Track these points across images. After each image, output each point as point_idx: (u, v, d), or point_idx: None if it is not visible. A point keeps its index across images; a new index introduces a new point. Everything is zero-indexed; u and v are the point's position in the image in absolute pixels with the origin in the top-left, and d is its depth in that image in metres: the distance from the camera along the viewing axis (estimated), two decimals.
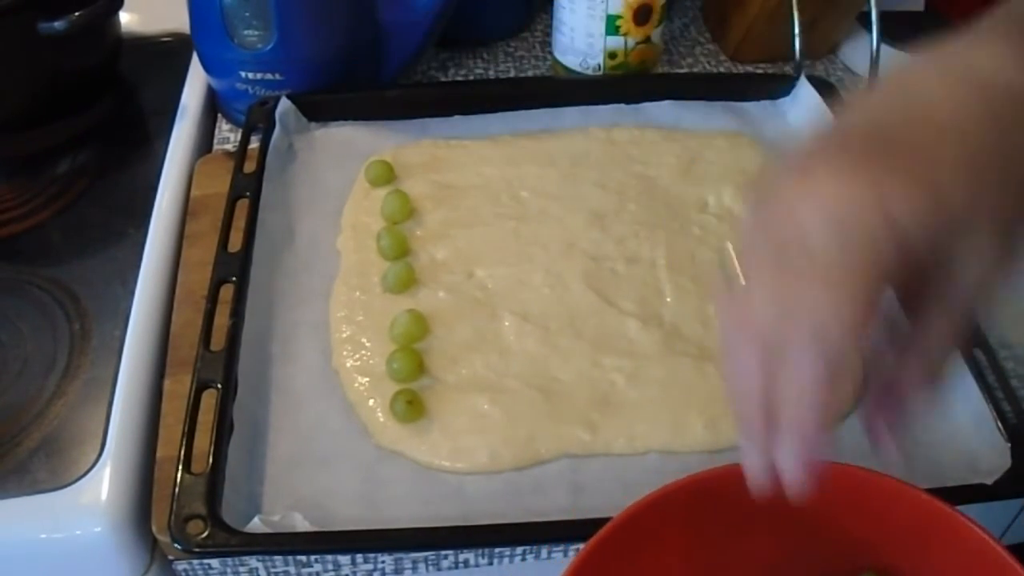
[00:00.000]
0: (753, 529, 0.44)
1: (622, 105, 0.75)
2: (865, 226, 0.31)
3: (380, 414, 0.54)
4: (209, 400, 0.53)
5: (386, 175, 0.68)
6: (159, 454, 0.53)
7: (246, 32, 0.71)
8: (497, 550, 0.51)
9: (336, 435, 0.54)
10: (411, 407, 0.53)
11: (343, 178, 0.69)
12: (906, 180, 0.32)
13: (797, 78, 0.76)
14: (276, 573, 0.52)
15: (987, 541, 0.39)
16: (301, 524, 0.49)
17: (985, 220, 0.33)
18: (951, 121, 0.33)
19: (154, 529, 0.50)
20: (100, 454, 0.53)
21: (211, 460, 0.50)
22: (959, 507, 0.48)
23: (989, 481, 0.49)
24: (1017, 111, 0.34)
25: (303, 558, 0.51)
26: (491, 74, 0.83)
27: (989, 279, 0.34)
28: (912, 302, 0.36)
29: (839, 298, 0.32)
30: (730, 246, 0.41)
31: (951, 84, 0.34)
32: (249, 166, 0.67)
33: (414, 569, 0.52)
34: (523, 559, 0.52)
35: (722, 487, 0.42)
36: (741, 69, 0.85)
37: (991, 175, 0.33)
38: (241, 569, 0.51)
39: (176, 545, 0.47)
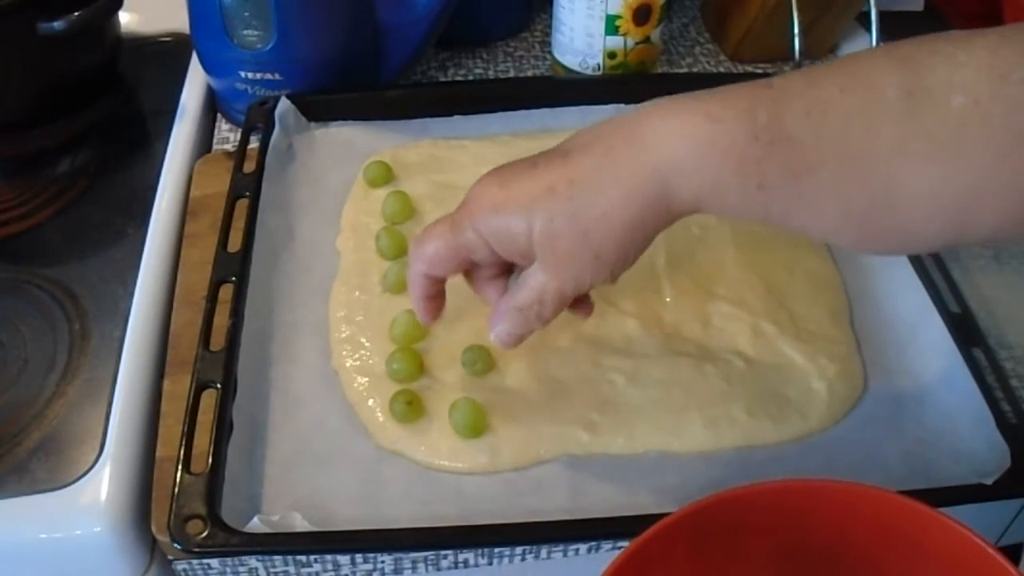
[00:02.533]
0: (753, 554, 0.44)
1: (622, 105, 0.75)
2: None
3: (379, 414, 0.54)
4: (209, 400, 0.52)
5: (385, 175, 0.68)
6: (159, 454, 0.53)
7: (246, 32, 0.71)
8: (497, 550, 0.51)
9: (336, 435, 0.54)
10: (410, 408, 0.53)
11: (343, 178, 0.69)
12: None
13: None
14: (276, 573, 0.52)
15: (985, 549, 0.39)
16: (301, 524, 0.49)
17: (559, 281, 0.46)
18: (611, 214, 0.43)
19: (154, 529, 0.50)
20: (100, 454, 0.53)
21: (211, 460, 0.50)
22: (958, 507, 0.48)
23: (989, 481, 0.49)
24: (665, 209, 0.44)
25: (303, 558, 0.51)
26: (491, 74, 0.83)
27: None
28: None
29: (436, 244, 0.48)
30: None
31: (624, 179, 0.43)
32: (249, 166, 0.67)
33: (413, 569, 0.52)
34: (523, 559, 0.52)
35: (724, 513, 0.42)
36: (740, 69, 0.85)
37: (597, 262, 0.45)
38: (241, 569, 0.51)
39: (176, 545, 0.47)
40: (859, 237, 0.42)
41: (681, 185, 0.42)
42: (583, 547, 0.52)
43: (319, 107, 0.73)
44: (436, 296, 0.52)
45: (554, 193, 0.43)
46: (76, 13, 0.71)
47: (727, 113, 0.41)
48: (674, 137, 0.42)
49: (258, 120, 0.70)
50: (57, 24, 0.70)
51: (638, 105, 0.44)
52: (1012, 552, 0.40)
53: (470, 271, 0.51)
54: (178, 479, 0.49)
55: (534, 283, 0.46)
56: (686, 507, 0.41)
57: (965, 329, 0.56)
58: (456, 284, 0.61)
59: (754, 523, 0.43)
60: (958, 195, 0.39)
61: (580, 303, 0.52)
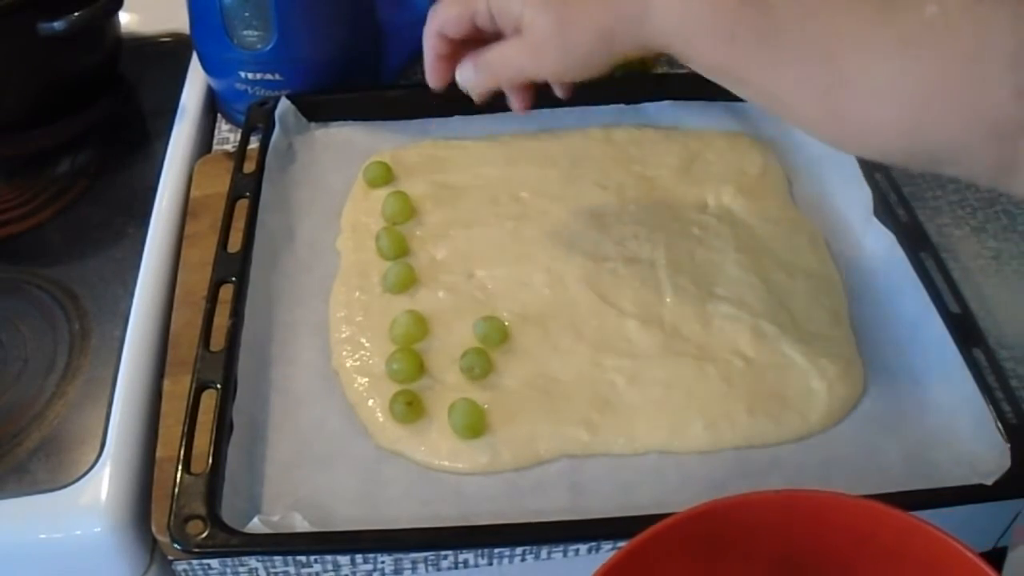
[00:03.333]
0: (754, 560, 0.44)
1: (622, 105, 0.75)
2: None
3: (380, 414, 0.54)
4: (209, 400, 0.53)
5: (384, 176, 0.68)
6: (159, 454, 0.53)
7: (246, 32, 0.71)
8: (497, 550, 0.51)
9: (336, 435, 0.54)
10: (410, 408, 0.53)
11: (343, 178, 0.69)
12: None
13: None
14: (276, 573, 0.52)
15: (965, 554, 0.39)
16: (301, 524, 0.49)
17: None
18: None
19: (154, 529, 0.50)
20: (100, 454, 0.53)
21: (211, 460, 0.50)
22: (958, 507, 0.48)
23: (989, 482, 0.49)
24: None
25: (303, 558, 0.51)
26: None
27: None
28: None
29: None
30: None
31: None
32: (249, 166, 0.67)
33: (413, 569, 0.52)
34: (523, 559, 0.52)
35: (730, 519, 0.42)
36: None
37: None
38: (241, 569, 0.51)
39: (176, 545, 0.47)
40: (815, 116, 0.45)
41: (660, 16, 0.46)
42: (583, 547, 0.52)
43: (319, 107, 0.73)
44: (448, 57, 0.57)
45: None
46: (76, 13, 0.71)
47: None
48: None
49: (258, 120, 0.70)
50: (57, 24, 0.70)
51: None
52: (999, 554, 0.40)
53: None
54: (178, 479, 0.49)
55: (508, 49, 0.53)
56: (680, 514, 0.41)
57: (965, 329, 0.56)
58: (456, 283, 0.61)
59: (753, 531, 0.43)
60: (914, 91, 0.41)
61: (524, 89, 0.57)
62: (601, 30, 0.49)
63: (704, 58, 0.47)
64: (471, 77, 0.56)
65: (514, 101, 0.58)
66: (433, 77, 0.58)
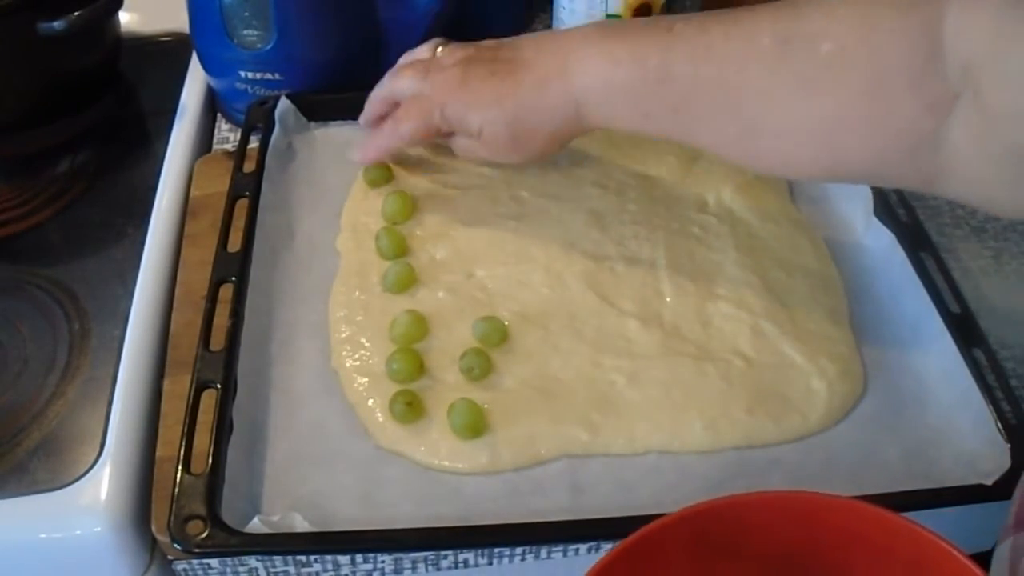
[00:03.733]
0: (752, 561, 0.44)
1: None
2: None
3: (379, 414, 0.54)
4: (209, 400, 0.53)
5: (384, 176, 0.68)
6: (159, 454, 0.53)
7: (245, 32, 0.71)
8: (497, 550, 0.51)
9: (335, 435, 0.54)
10: (410, 408, 0.53)
11: (343, 178, 0.69)
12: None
13: None
14: (276, 573, 0.52)
15: (954, 554, 0.39)
16: (300, 524, 0.49)
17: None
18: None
19: (154, 529, 0.50)
20: (100, 454, 0.53)
21: (211, 460, 0.50)
22: (958, 507, 0.48)
23: (988, 481, 0.49)
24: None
25: (303, 558, 0.51)
26: None
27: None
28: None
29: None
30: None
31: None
32: (248, 166, 0.67)
33: (413, 569, 0.52)
34: (523, 559, 0.52)
35: (728, 518, 0.42)
36: None
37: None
38: (241, 569, 0.51)
39: (176, 545, 0.47)
40: (738, 157, 0.51)
41: (591, 111, 0.55)
42: (583, 547, 0.52)
43: (319, 107, 0.73)
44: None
45: (502, 105, 0.57)
46: (76, 13, 0.71)
47: (627, 57, 0.52)
48: (588, 75, 0.54)
49: (258, 120, 0.70)
50: (57, 24, 0.70)
51: (577, 28, 0.57)
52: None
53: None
54: (178, 479, 0.49)
55: (466, 142, 0.61)
56: (679, 512, 0.41)
57: (965, 329, 0.56)
58: (456, 283, 0.61)
59: (751, 532, 0.43)
60: (823, 128, 0.44)
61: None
62: (551, 134, 0.58)
63: (635, 131, 0.55)
64: (384, 144, 0.65)
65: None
66: (367, 119, 0.67)
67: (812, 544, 0.43)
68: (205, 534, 0.47)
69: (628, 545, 0.40)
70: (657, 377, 0.56)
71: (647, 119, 0.53)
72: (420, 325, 0.58)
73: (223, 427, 0.51)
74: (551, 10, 0.79)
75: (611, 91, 0.53)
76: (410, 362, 0.56)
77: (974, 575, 0.38)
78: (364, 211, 0.66)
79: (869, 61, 0.42)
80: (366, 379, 0.56)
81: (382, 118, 0.65)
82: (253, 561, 0.51)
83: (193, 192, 0.69)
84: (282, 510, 0.50)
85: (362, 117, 0.67)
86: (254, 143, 0.69)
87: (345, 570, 0.52)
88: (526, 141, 0.58)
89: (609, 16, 0.74)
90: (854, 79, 0.42)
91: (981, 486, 0.49)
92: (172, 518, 0.47)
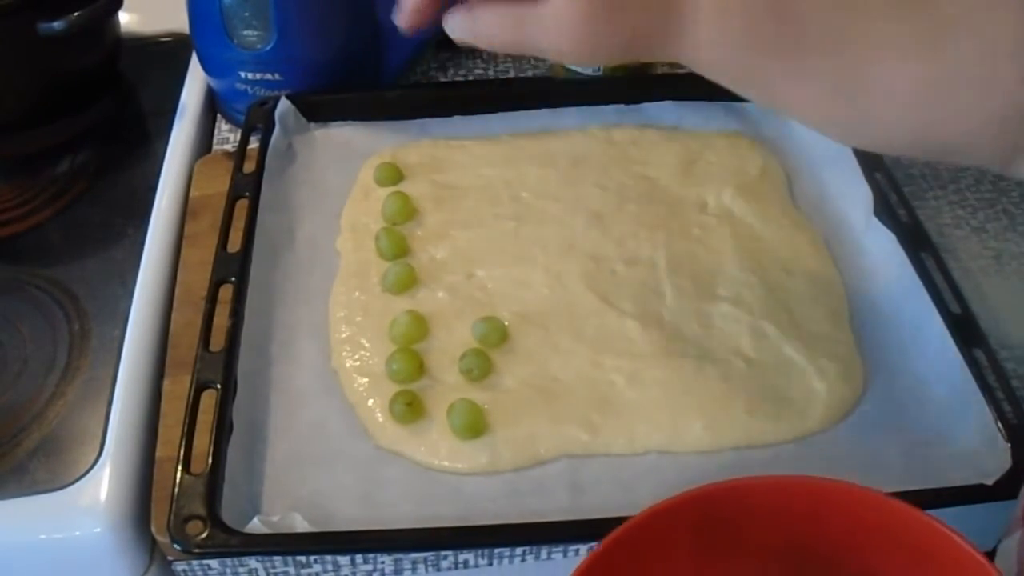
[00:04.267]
0: (755, 549, 0.44)
1: (622, 105, 0.75)
2: None
3: (379, 414, 0.54)
4: (208, 400, 0.52)
5: (393, 177, 0.68)
6: (158, 454, 0.53)
7: (245, 32, 0.71)
8: (497, 551, 0.51)
9: (335, 435, 0.54)
10: (410, 409, 0.53)
11: (343, 178, 0.69)
12: None
13: None
14: (275, 573, 0.52)
15: (975, 556, 0.39)
16: (300, 524, 0.49)
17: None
18: None
19: (153, 530, 0.50)
20: (99, 454, 0.53)
21: (210, 460, 0.50)
22: (958, 508, 0.48)
23: (989, 482, 0.49)
24: None
25: (302, 558, 0.51)
26: (491, 74, 0.83)
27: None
28: None
29: None
30: None
31: None
32: (248, 166, 0.67)
33: (413, 569, 0.52)
34: (523, 559, 0.52)
35: (731, 502, 0.42)
36: None
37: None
38: (240, 570, 0.51)
39: (175, 546, 0.47)
40: (834, 118, 0.45)
41: (694, 27, 0.45)
42: (583, 547, 0.52)
43: (319, 107, 0.73)
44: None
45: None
46: (76, 13, 0.71)
47: None
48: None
49: (258, 120, 0.70)
50: (57, 24, 0.70)
51: None
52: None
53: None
54: (178, 479, 0.49)
55: (520, 19, 0.45)
56: (682, 494, 0.41)
57: (966, 329, 0.56)
58: (456, 284, 0.61)
59: (754, 517, 0.43)
60: (928, 91, 0.42)
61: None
62: (635, 30, 0.45)
63: (731, 71, 0.46)
64: (460, 31, 0.50)
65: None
66: (407, 15, 0.51)
67: (815, 530, 0.43)
68: (205, 534, 0.47)
69: (629, 528, 0.40)
70: (657, 377, 0.56)
71: (760, 55, 0.44)
72: (420, 325, 0.58)
73: (223, 427, 0.51)
74: None
75: (730, 31, 0.45)
76: (410, 362, 0.56)
77: (977, 562, 0.38)
78: (364, 211, 0.66)
79: (985, 26, 0.41)
80: (366, 379, 0.56)
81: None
82: (253, 562, 0.51)
83: (193, 192, 0.69)
84: (282, 510, 0.50)
85: (400, 12, 0.52)
86: (254, 143, 0.69)
87: (345, 570, 0.52)
88: (602, 29, 0.45)
89: None
90: (967, 43, 0.41)
91: (982, 486, 0.49)
92: (172, 518, 0.47)
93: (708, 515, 0.42)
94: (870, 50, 0.43)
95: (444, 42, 0.82)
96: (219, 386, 0.53)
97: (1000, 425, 0.52)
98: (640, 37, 0.46)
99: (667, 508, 0.41)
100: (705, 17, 0.45)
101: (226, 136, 0.77)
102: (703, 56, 0.46)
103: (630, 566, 0.41)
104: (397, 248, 0.63)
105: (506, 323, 0.58)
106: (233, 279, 0.59)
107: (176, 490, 0.48)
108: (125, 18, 0.80)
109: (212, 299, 0.58)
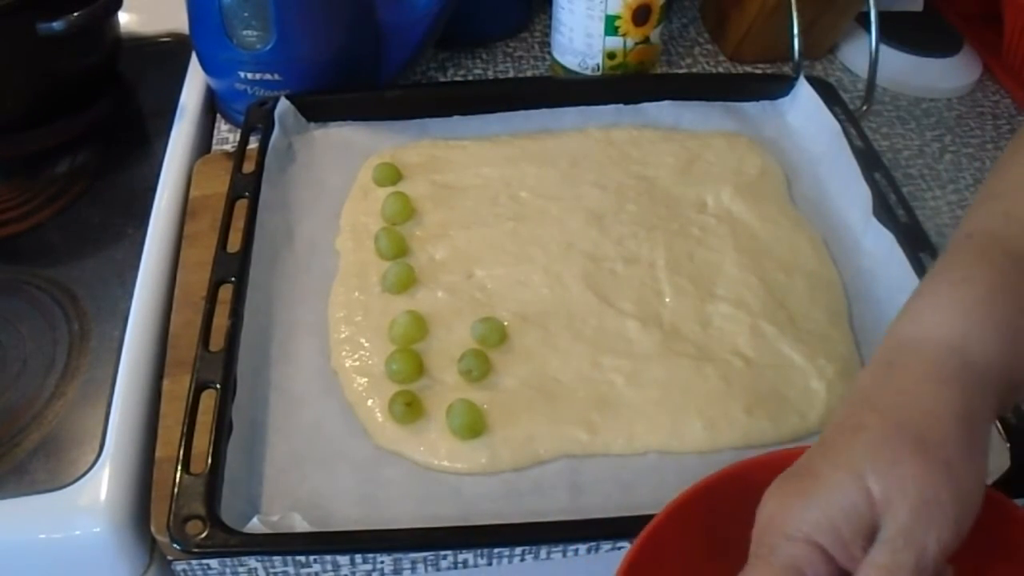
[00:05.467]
0: None
1: (621, 105, 0.75)
2: None
3: (379, 414, 0.54)
4: (208, 400, 0.52)
5: (393, 177, 0.68)
6: (158, 454, 0.53)
7: (245, 32, 0.71)
8: (496, 550, 0.51)
9: (335, 435, 0.54)
10: (410, 409, 0.53)
11: (342, 178, 0.69)
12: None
13: (796, 78, 0.76)
14: (275, 573, 0.52)
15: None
16: (300, 524, 0.49)
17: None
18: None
19: (153, 529, 0.50)
20: (99, 454, 0.53)
21: (210, 460, 0.50)
22: None
23: (988, 482, 0.49)
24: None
25: (302, 558, 0.51)
26: (490, 74, 0.83)
27: None
28: None
29: None
30: None
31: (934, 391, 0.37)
32: (248, 166, 0.67)
33: (413, 569, 0.52)
34: (522, 559, 0.52)
35: (741, 485, 0.42)
36: (740, 69, 0.85)
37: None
38: (240, 569, 0.51)
39: (175, 545, 0.47)
40: None
41: (976, 345, 0.38)
42: (583, 547, 0.52)
43: (318, 107, 0.73)
44: None
45: (864, 428, 0.37)
46: (76, 13, 0.71)
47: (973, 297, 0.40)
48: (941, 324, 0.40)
49: (257, 120, 0.70)
50: (57, 24, 0.70)
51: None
52: None
53: None
54: (178, 479, 0.49)
55: (900, 542, 0.34)
56: (699, 483, 0.42)
57: None
58: (455, 284, 0.61)
59: (736, 506, 0.43)
60: None
61: None
62: (956, 416, 0.36)
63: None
64: None
65: None
66: None
67: None
68: (204, 534, 0.47)
69: (658, 524, 0.41)
70: (656, 377, 0.56)
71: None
72: (419, 325, 0.58)
73: (222, 427, 0.51)
74: (550, 10, 0.79)
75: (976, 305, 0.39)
76: (409, 362, 0.56)
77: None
78: (363, 211, 0.66)
79: None
80: (365, 379, 0.56)
81: None
82: (252, 561, 0.51)
83: (192, 192, 0.69)
84: (281, 510, 0.50)
85: None
86: (254, 143, 0.69)
87: (344, 570, 0.52)
88: (937, 438, 0.36)
89: (608, 17, 0.74)
90: None
91: None
92: (171, 518, 0.47)
93: (715, 508, 0.43)
94: None
95: (443, 42, 0.82)
96: (219, 386, 0.53)
97: (999, 425, 0.52)
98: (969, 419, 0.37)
99: (679, 504, 0.42)
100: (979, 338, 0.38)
101: (226, 136, 0.77)
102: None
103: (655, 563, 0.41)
104: (396, 248, 0.63)
105: (505, 323, 0.58)
106: (233, 279, 0.59)
107: (176, 490, 0.48)
108: (125, 18, 0.80)
109: (212, 299, 0.58)
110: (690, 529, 0.42)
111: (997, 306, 0.38)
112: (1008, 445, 0.51)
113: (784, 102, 0.76)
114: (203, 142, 0.76)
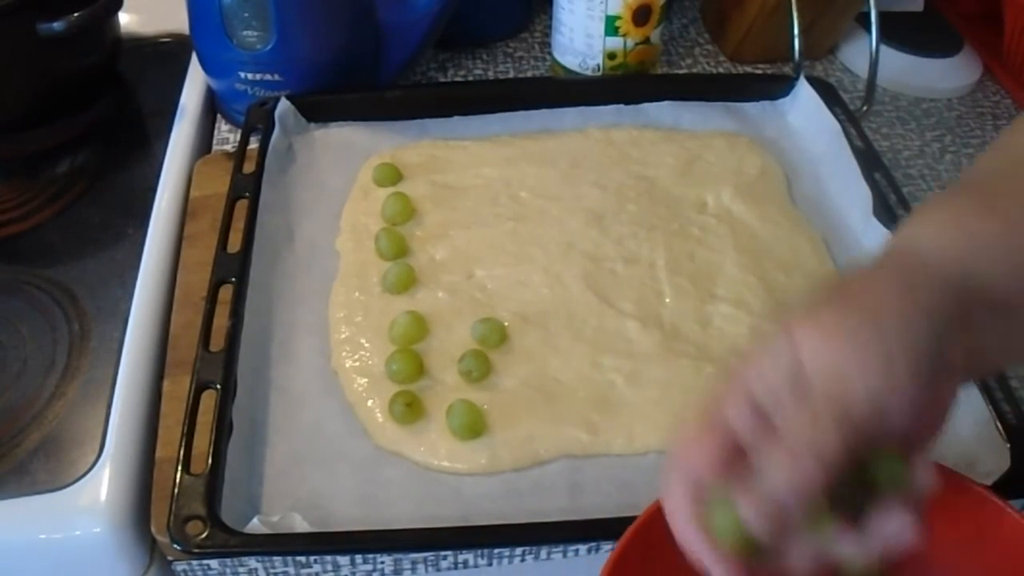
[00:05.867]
0: None
1: (621, 105, 0.75)
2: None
3: (379, 414, 0.54)
4: (208, 401, 0.53)
5: (392, 177, 0.68)
6: (158, 455, 0.53)
7: (245, 33, 0.71)
8: (496, 551, 0.51)
9: (335, 436, 0.54)
10: (410, 410, 0.53)
11: (342, 179, 0.69)
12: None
13: (796, 79, 0.76)
14: (275, 574, 0.52)
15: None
16: (300, 525, 0.49)
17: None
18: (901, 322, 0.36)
19: (153, 530, 0.50)
20: (99, 455, 0.53)
21: (210, 461, 0.50)
22: None
23: (988, 482, 0.49)
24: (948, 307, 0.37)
25: (302, 559, 0.51)
26: (490, 75, 0.83)
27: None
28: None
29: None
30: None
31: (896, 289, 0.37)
32: (248, 167, 0.67)
33: (413, 570, 0.52)
34: (522, 559, 0.52)
35: None
36: (740, 70, 0.85)
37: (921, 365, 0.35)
38: (240, 570, 0.51)
39: (175, 546, 0.47)
40: None
41: (937, 252, 0.38)
42: (583, 547, 0.52)
43: (319, 108, 0.73)
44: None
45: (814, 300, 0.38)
46: (76, 13, 0.71)
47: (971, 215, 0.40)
48: (926, 229, 0.40)
49: (258, 121, 0.70)
50: (57, 24, 0.70)
51: None
52: None
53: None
54: (178, 480, 0.49)
55: (814, 400, 0.35)
56: None
57: None
58: (455, 284, 0.61)
59: None
60: None
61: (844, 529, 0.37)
62: (898, 288, 0.37)
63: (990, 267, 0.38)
64: (780, 487, 0.34)
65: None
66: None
67: None
68: (205, 534, 0.47)
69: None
70: (656, 377, 0.56)
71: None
72: (420, 326, 0.58)
73: (223, 428, 0.51)
74: (551, 10, 0.79)
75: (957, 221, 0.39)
76: (410, 363, 0.56)
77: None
78: (364, 212, 0.66)
79: None
80: (366, 380, 0.56)
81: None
82: (253, 562, 0.51)
83: (193, 193, 0.69)
84: (282, 510, 0.50)
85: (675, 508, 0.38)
86: (254, 144, 0.69)
87: (345, 571, 0.52)
88: (869, 301, 0.36)
89: (608, 17, 0.74)
90: None
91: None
92: (172, 518, 0.47)
93: None
94: None
95: (443, 42, 0.82)
96: (219, 386, 0.53)
97: (999, 425, 0.52)
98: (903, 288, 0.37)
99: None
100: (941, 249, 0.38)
101: (226, 136, 0.77)
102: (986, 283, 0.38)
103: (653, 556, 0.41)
104: (397, 248, 0.63)
105: (505, 323, 0.58)
106: (233, 279, 0.59)
107: (176, 490, 0.49)
108: (125, 18, 0.80)
109: (212, 299, 0.58)
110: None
111: (962, 213, 0.39)
112: (1008, 445, 0.51)
113: (784, 102, 0.76)
114: (203, 142, 0.76)
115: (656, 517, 0.41)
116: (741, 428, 0.36)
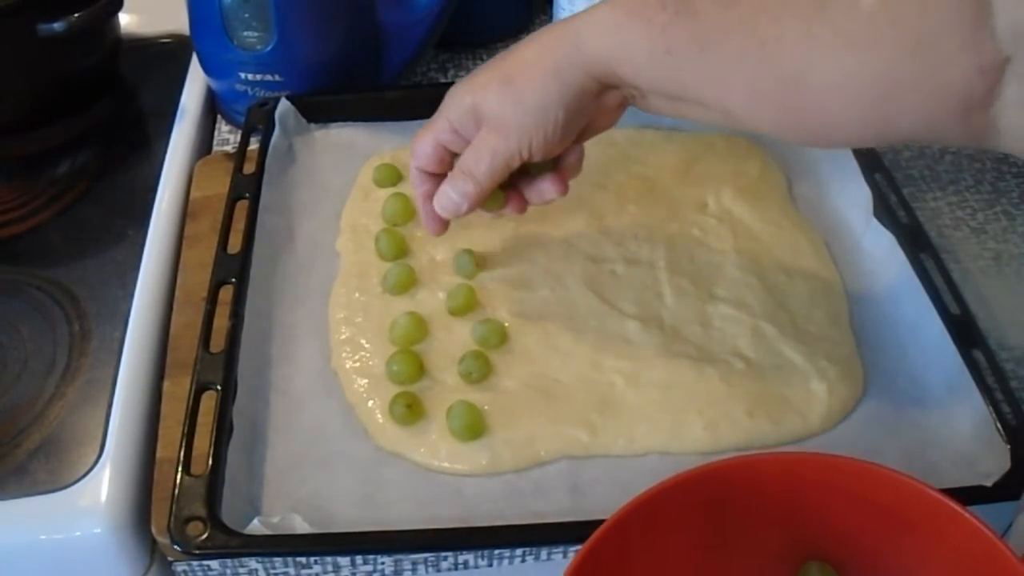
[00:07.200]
0: (763, 520, 0.45)
1: None
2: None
3: (379, 415, 0.54)
4: (209, 402, 0.53)
5: (393, 177, 0.68)
6: (159, 455, 0.54)
7: (245, 33, 0.71)
8: (496, 551, 0.51)
9: (335, 436, 0.54)
10: (410, 411, 0.53)
11: (343, 179, 0.69)
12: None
13: None
14: (275, 574, 0.52)
15: (990, 538, 0.39)
16: (300, 526, 0.49)
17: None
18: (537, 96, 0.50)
19: (154, 530, 0.50)
20: (100, 455, 0.53)
21: (211, 462, 0.50)
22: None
23: (988, 483, 0.49)
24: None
25: (302, 559, 0.51)
26: None
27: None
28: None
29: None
30: None
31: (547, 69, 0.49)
32: (249, 167, 0.67)
33: (413, 570, 0.53)
34: (523, 560, 0.52)
35: (737, 478, 0.43)
36: None
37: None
38: (241, 571, 0.51)
39: (176, 547, 0.47)
40: (774, 117, 0.45)
41: (593, 42, 0.47)
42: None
43: (319, 108, 0.73)
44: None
45: (489, 68, 0.51)
46: (76, 14, 0.71)
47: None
48: (592, 13, 0.48)
49: (258, 121, 0.70)
50: (57, 25, 0.70)
51: None
52: None
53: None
54: (178, 481, 0.49)
55: (475, 141, 0.52)
56: (695, 469, 0.43)
57: (965, 330, 0.56)
58: (456, 284, 0.61)
59: (737, 498, 0.44)
60: (872, 86, 0.41)
61: (515, 197, 0.57)
62: (545, 70, 0.49)
63: (647, 78, 0.47)
64: (452, 195, 0.55)
65: (510, 210, 0.57)
66: (427, 222, 0.59)
67: (820, 504, 0.44)
68: (205, 535, 0.47)
69: (647, 498, 0.42)
70: (657, 378, 0.56)
71: (670, 56, 0.45)
72: (420, 326, 0.58)
73: (223, 428, 0.51)
74: (551, 10, 0.79)
75: (620, 16, 0.46)
76: (410, 364, 0.56)
77: (987, 538, 0.39)
78: (364, 212, 0.66)
79: (917, 19, 0.39)
80: (366, 380, 0.56)
81: (428, 197, 0.57)
82: (253, 562, 0.51)
83: (193, 194, 0.69)
84: (282, 511, 0.50)
85: (424, 223, 0.59)
86: (254, 144, 0.69)
87: (345, 571, 0.52)
88: (521, 87, 0.49)
89: None
90: (902, 37, 0.40)
91: (981, 487, 0.49)
92: (172, 519, 0.47)
93: (720, 491, 0.43)
94: (791, 47, 0.42)
95: (444, 42, 0.82)
96: (219, 387, 0.53)
97: (999, 426, 0.52)
98: (552, 71, 0.49)
99: (682, 481, 0.42)
100: (598, 31, 0.47)
101: (226, 137, 0.77)
102: (617, 69, 0.47)
103: (646, 535, 0.42)
104: (397, 249, 0.63)
105: (506, 324, 0.58)
106: (233, 280, 0.59)
107: (176, 491, 0.49)
108: (125, 19, 0.80)
109: (212, 300, 0.58)
110: (658, 524, 0.43)
111: (636, 21, 0.46)
112: (1008, 447, 0.51)
113: None
114: (204, 143, 0.76)
115: (625, 521, 0.41)
116: (444, 141, 0.54)
